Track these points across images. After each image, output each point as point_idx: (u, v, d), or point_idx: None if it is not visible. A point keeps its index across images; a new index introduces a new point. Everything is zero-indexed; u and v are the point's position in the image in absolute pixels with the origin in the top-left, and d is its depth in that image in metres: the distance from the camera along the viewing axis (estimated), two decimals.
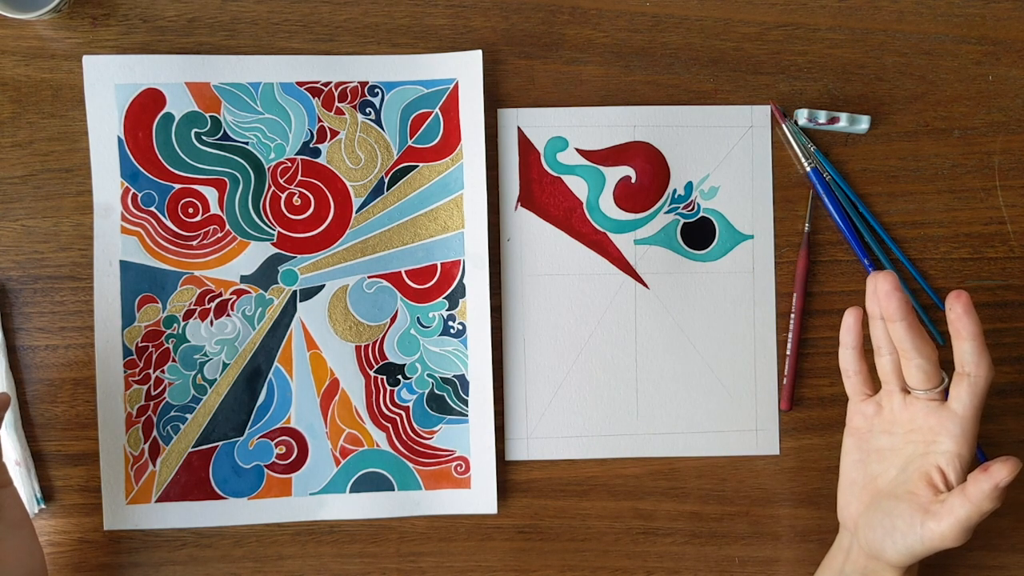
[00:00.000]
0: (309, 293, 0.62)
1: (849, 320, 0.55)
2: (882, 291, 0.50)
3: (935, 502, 0.50)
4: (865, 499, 0.55)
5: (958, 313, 0.50)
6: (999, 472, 0.48)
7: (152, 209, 0.61)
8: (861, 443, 0.56)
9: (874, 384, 0.56)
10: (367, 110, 0.62)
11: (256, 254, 0.62)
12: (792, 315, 0.63)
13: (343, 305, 0.62)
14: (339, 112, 0.62)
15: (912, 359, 0.51)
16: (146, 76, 0.61)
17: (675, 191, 0.63)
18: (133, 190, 0.61)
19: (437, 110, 0.62)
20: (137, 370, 0.61)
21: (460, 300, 0.62)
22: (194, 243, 0.61)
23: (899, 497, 0.52)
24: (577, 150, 0.63)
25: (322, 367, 0.62)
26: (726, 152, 0.64)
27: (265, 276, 0.62)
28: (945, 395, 0.52)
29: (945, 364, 0.53)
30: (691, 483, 0.63)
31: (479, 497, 0.62)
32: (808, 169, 0.63)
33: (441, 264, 0.62)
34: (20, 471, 0.60)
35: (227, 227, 0.62)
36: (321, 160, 0.62)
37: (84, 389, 0.61)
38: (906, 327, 0.50)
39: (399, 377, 0.62)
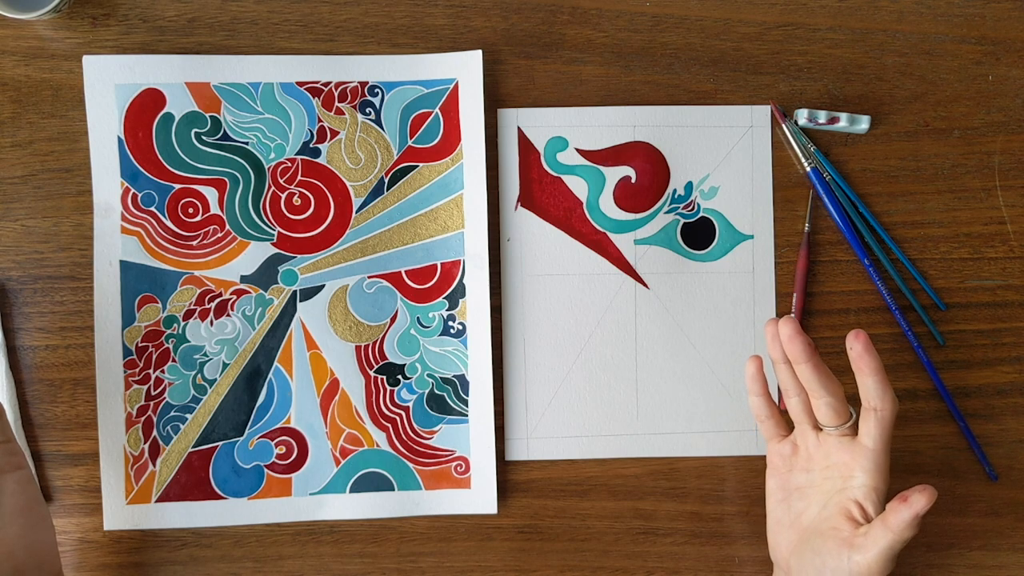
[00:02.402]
0: (309, 293, 0.62)
1: (752, 369, 0.56)
2: (785, 336, 0.52)
3: (858, 535, 0.51)
4: (793, 537, 0.55)
5: (859, 352, 0.51)
6: (918, 502, 0.49)
7: (152, 209, 0.61)
8: (782, 482, 0.57)
9: (788, 425, 0.57)
10: (367, 110, 0.62)
11: (256, 254, 0.62)
12: (792, 315, 0.63)
13: (343, 305, 0.62)
14: (339, 112, 0.62)
15: (821, 397, 0.53)
16: (146, 76, 0.61)
17: (675, 191, 0.63)
18: (133, 190, 0.61)
19: (437, 110, 0.62)
20: (137, 370, 0.61)
21: (460, 300, 0.62)
22: (194, 243, 0.61)
23: (824, 534, 0.53)
24: (577, 150, 0.63)
25: (322, 367, 0.62)
26: (726, 152, 0.64)
27: (265, 276, 0.62)
28: (855, 430, 0.53)
29: (852, 399, 0.54)
30: (691, 483, 0.63)
31: (479, 497, 0.62)
32: (808, 169, 0.63)
33: (441, 264, 0.62)
34: None
35: (227, 227, 0.62)
36: (321, 160, 0.62)
37: (84, 389, 0.61)
38: (812, 368, 0.52)
39: (399, 377, 0.62)
